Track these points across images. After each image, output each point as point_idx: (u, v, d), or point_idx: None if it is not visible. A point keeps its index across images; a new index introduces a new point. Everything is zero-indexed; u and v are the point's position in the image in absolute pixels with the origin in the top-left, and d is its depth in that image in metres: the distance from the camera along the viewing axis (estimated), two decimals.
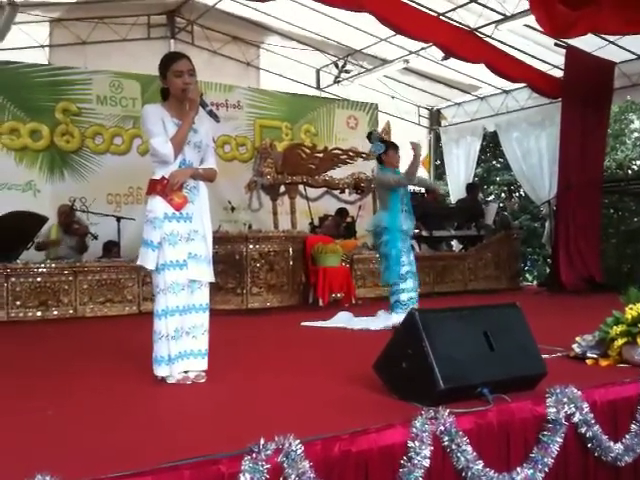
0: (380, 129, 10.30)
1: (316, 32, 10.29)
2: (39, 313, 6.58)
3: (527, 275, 17.29)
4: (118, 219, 8.05)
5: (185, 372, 3.27)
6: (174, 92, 3.32)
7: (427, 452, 2.23)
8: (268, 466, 1.96)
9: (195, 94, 3.27)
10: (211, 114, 3.37)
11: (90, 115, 9.37)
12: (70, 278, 6.78)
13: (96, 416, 2.69)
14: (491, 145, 18.15)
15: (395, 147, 5.67)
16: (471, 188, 10.72)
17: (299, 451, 2.02)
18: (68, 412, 2.75)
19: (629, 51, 9.20)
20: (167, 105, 3.35)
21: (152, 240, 3.23)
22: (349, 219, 9.80)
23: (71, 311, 6.75)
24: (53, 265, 6.83)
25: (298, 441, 2.03)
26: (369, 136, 5.82)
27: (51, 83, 9.12)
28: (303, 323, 5.87)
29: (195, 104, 3.28)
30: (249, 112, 10.67)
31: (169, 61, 3.32)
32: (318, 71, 11.83)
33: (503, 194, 20.12)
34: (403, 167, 5.66)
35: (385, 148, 5.59)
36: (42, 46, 9.43)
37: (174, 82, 3.29)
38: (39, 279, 6.64)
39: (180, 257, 3.26)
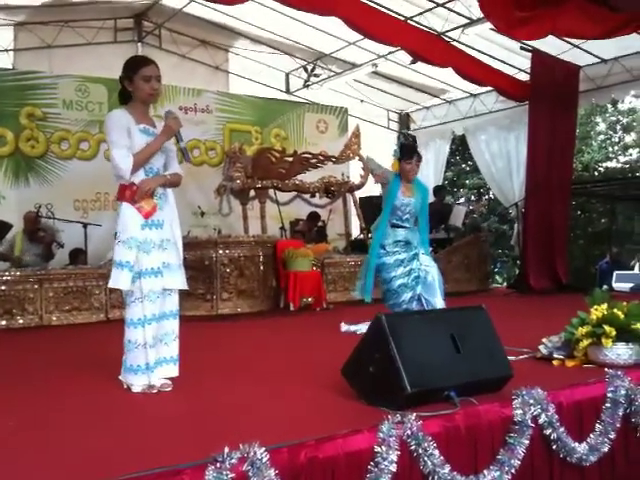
0: (350, 133, 10.37)
1: (285, 36, 10.27)
2: (4, 322, 6.43)
3: (497, 277, 17.50)
4: (85, 225, 7.91)
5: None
6: (140, 96, 3.27)
7: (394, 457, 2.23)
8: (233, 475, 1.94)
9: (176, 124, 3.27)
10: (183, 152, 3.37)
11: (56, 120, 9.22)
12: (35, 286, 6.64)
13: (59, 426, 2.63)
14: (460, 148, 18.35)
15: (408, 157, 5.19)
16: (438, 190, 10.79)
17: (264, 459, 2.00)
18: (30, 423, 2.69)
19: (593, 55, 9.35)
20: (131, 109, 3.30)
21: (128, 261, 3.16)
22: (320, 223, 9.81)
23: (37, 320, 6.61)
24: (18, 273, 6.68)
25: (263, 449, 2.01)
26: (398, 137, 5.54)
27: (16, 88, 8.96)
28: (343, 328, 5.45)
29: (171, 132, 3.27)
30: (218, 116, 10.61)
31: (137, 65, 3.28)
32: (287, 75, 11.81)
33: (473, 197, 20.35)
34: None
35: (399, 157, 5.20)
36: (6, 50, 9.26)
37: (141, 86, 3.24)
38: (3, 287, 6.48)
39: (155, 264, 3.23)
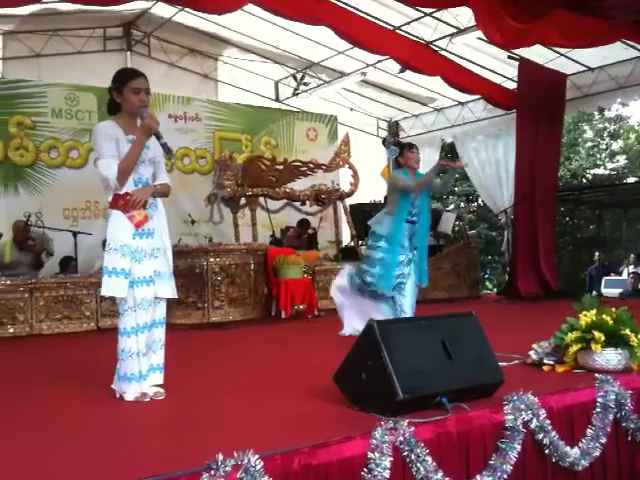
0: (339, 141, 10.41)
1: (274, 45, 10.31)
2: None
3: (487, 283, 17.58)
4: (75, 234, 7.88)
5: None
6: (128, 108, 3.27)
7: (387, 463, 2.24)
8: None
9: (153, 122, 3.20)
10: (165, 148, 3.27)
11: (45, 128, 9.20)
12: (26, 295, 6.61)
13: (53, 435, 2.63)
14: (449, 156, 18.43)
15: (410, 147, 5.34)
16: None
17: (258, 466, 2.00)
18: (21, 433, 2.68)
19: (579, 63, 9.46)
20: (119, 120, 3.29)
21: (123, 268, 3.16)
22: (310, 231, 9.83)
23: (27, 329, 6.58)
24: (8, 282, 6.63)
25: (257, 456, 2.01)
26: (383, 142, 5.64)
27: (5, 96, 8.92)
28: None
29: (150, 131, 3.21)
30: (208, 124, 10.62)
31: (127, 77, 3.28)
32: (277, 83, 11.84)
33: (462, 204, 20.44)
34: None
35: (399, 150, 5.32)
36: None
37: (131, 99, 3.24)
38: None
39: (147, 273, 3.25)
